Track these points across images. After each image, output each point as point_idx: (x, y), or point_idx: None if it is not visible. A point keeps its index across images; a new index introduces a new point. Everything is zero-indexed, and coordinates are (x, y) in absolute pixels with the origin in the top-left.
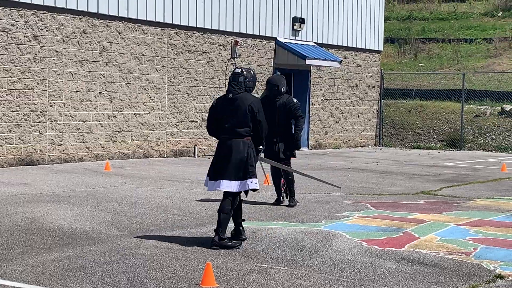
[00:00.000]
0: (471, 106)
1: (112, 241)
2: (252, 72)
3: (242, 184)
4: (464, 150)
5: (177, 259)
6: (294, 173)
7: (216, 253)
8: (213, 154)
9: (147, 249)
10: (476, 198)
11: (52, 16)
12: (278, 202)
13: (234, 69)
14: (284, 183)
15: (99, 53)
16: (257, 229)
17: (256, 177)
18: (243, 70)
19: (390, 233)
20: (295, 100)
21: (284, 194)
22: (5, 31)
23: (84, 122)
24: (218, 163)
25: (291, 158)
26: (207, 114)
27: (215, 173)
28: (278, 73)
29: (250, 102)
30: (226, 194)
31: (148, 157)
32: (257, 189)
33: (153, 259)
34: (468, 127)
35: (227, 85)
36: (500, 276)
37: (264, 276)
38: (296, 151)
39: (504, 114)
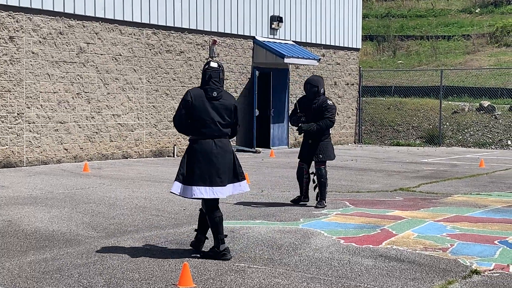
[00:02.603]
0: (450, 102)
1: (89, 243)
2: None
3: (235, 186)
4: (443, 146)
5: (155, 259)
6: (327, 176)
7: (194, 253)
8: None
9: (124, 250)
10: (454, 194)
11: (28, 17)
12: (297, 201)
13: (210, 63)
14: (316, 185)
15: (76, 54)
16: (235, 228)
17: (245, 178)
18: (219, 64)
19: (368, 230)
20: (330, 102)
21: (305, 194)
22: None
23: (62, 123)
24: (207, 165)
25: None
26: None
27: (206, 178)
28: (257, 72)
29: (234, 101)
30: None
31: (127, 158)
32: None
33: (130, 260)
34: (447, 123)
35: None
36: (476, 272)
37: (241, 275)
38: (277, 149)
39: (482, 110)
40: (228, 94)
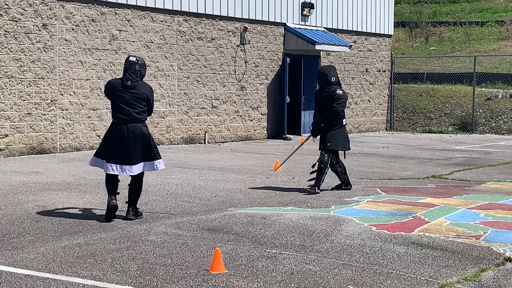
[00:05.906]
0: (483, 89)
1: (122, 228)
2: (143, 61)
3: (150, 165)
4: (476, 133)
5: (187, 245)
6: (328, 164)
7: (226, 239)
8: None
9: (157, 236)
10: (487, 181)
11: (61, 4)
12: (338, 187)
13: (129, 57)
14: (341, 172)
15: (109, 41)
16: (267, 215)
17: (161, 158)
18: (137, 59)
19: (400, 218)
20: (339, 91)
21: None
22: (14, 21)
23: (95, 110)
24: (120, 147)
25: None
26: (217, 101)
27: (117, 157)
28: (288, 59)
29: (147, 92)
30: (135, 176)
31: (158, 145)
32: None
33: (162, 245)
34: (480, 110)
35: (124, 73)
36: (510, 259)
37: (273, 262)
38: (308, 136)
39: None
40: (144, 85)
